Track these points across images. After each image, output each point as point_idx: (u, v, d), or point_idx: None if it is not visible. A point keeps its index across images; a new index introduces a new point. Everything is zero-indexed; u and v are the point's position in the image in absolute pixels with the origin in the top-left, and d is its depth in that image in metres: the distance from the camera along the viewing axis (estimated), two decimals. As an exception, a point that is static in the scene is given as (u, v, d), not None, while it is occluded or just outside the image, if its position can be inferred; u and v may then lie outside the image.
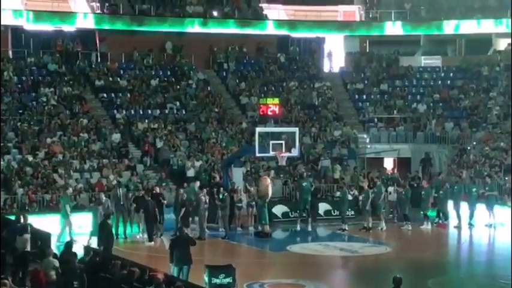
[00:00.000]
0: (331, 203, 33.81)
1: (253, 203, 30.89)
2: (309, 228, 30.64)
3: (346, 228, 30.68)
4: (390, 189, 32.64)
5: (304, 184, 31.22)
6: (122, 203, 29.26)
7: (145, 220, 28.64)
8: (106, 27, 43.40)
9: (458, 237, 30.73)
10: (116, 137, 37.28)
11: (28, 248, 21.18)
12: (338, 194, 33.59)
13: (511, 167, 35.34)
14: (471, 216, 31.56)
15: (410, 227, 31.13)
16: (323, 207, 33.60)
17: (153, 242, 28.20)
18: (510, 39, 46.30)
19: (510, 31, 44.88)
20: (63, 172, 33.07)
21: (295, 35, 47.62)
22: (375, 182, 32.53)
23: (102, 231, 23.30)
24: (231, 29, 45.67)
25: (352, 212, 33.13)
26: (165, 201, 29.78)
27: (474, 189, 32.04)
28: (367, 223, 30.76)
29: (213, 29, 45.20)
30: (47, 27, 42.55)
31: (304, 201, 31.04)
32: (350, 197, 32.75)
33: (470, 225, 31.43)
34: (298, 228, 30.69)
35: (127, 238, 28.81)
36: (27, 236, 21.47)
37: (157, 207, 28.80)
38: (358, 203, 32.34)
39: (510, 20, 44.65)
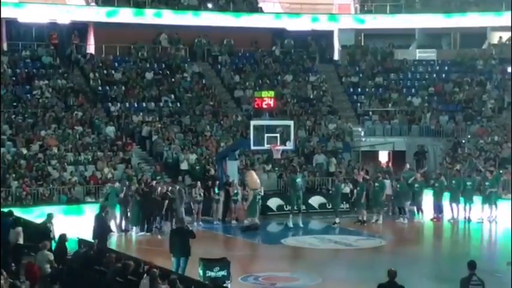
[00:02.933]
0: (326, 196, 33.77)
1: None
2: (300, 224, 30.43)
3: (337, 222, 30.61)
4: (386, 182, 32.56)
5: (297, 180, 31.00)
6: (127, 196, 29.27)
7: (143, 211, 28.69)
8: (101, 19, 43.30)
9: (453, 231, 30.75)
10: (111, 130, 37.23)
11: (21, 241, 21.15)
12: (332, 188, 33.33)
13: (511, 159, 35.35)
14: (467, 210, 31.49)
15: (406, 221, 31.12)
16: (317, 200, 33.59)
17: (144, 233, 28.34)
18: (504, 33, 46.36)
19: (504, 24, 44.89)
20: (57, 165, 33.04)
21: (290, 27, 47.54)
22: (378, 177, 32.24)
23: (97, 224, 23.18)
24: (225, 21, 45.61)
25: (347, 205, 33.14)
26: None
27: (469, 183, 31.83)
28: (361, 216, 30.74)
29: (208, 22, 45.15)
30: (41, 19, 42.42)
31: (297, 197, 30.76)
32: (348, 190, 32.82)
33: (466, 219, 31.32)
34: (291, 224, 30.39)
35: (127, 231, 28.77)
36: (20, 229, 21.45)
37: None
38: (353, 196, 32.26)
39: (506, 12, 44.59)
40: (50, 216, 22.55)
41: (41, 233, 21.64)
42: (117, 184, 29.90)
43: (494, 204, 31.18)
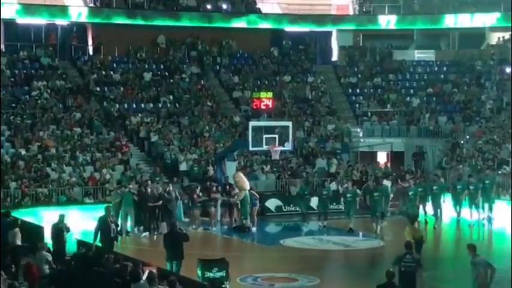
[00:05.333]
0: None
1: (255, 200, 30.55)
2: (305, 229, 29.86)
3: (321, 225, 30.11)
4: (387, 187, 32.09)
5: (306, 192, 30.54)
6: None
7: (141, 212, 28.60)
8: (99, 20, 43.30)
9: (450, 233, 30.65)
10: (110, 136, 37.08)
11: (18, 242, 21.10)
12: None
13: (511, 160, 35.32)
14: (458, 213, 30.89)
15: (380, 225, 28.94)
16: (316, 201, 33.42)
17: (148, 233, 28.30)
18: (503, 33, 46.40)
19: (503, 25, 44.95)
20: (56, 166, 33.03)
21: (288, 29, 47.58)
22: (376, 184, 30.61)
23: (102, 227, 22.96)
24: (224, 22, 45.61)
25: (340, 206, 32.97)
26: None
27: (459, 187, 31.00)
28: (351, 224, 29.08)
29: (207, 23, 45.16)
30: (39, 20, 42.43)
31: (307, 206, 30.56)
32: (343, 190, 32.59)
33: (458, 221, 30.88)
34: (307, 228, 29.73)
35: (129, 233, 28.66)
36: (17, 230, 21.42)
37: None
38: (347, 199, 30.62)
39: (505, 13, 44.63)
40: (62, 217, 22.57)
41: (54, 234, 21.72)
42: (132, 185, 29.78)
43: (479, 206, 30.57)
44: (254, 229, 29.76)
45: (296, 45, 48.15)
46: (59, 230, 21.95)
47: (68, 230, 22.26)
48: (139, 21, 43.84)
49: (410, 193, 30.33)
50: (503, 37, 46.52)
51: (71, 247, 21.96)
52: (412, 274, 16.32)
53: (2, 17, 40.40)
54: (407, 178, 33.01)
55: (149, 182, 30.25)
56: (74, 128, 36.63)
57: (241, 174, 30.49)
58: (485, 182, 31.26)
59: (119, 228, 24.01)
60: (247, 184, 29.94)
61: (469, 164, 36.21)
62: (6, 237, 21.21)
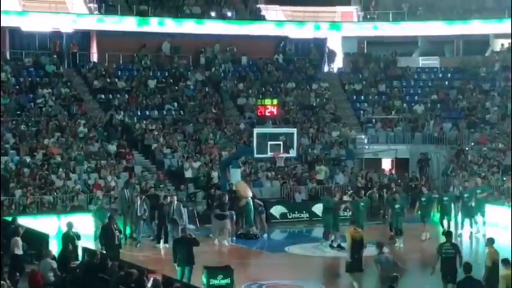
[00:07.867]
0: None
1: (260, 208, 30.34)
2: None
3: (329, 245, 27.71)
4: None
5: (330, 206, 27.59)
6: (128, 204, 29.10)
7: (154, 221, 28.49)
8: (104, 28, 43.36)
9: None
10: (113, 146, 37.03)
11: (18, 251, 21.02)
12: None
13: (511, 167, 35.28)
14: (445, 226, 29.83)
15: None
16: (321, 208, 33.36)
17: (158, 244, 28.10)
18: (507, 40, 46.39)
19: (508, 32, 44.91)
20: (61, 173, 33.02)
21: (293, 35, 47.62)
22: (360, 195, 29.73)
23: (106, 234, 22.98)
24: (228, 30, 45.67)
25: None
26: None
27: (446, 198, 30.11)
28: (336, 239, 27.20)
29: (211, 30, 45.23)
30: (44, 28, 42.51)
31: (328, 220, 27.52)
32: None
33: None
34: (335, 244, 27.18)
35: (134, 240, 28.52)
36: (17, 238, 21.38)
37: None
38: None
39: (509, 20, 44.59)
40: (70, 225, 22.55)
41: (65, 242, 21.78)
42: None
43: (473, 218, 29.87)
44: (265, 236, 29.69)
45: (300, 52, 48.17)
46: (70, 238, 21.95)
47: (79, 237, 22.28)
48: (144, 28, 43.88)
49: (396, 206, 28.45)
50: (509, 43, 46.52)
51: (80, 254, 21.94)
52: (452, 260, 18.37)
53: (7, 25, 40.51)
54: (392, 186, 32.48)
55: (170, 194, 30.09)
56: (79, 135, 36.67)
57: (241, 183, 30.46)
58: (464, 196, 30.52)
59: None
60: (248, 192, 29.86)
61: (471, 171, 36.13)
62: (10, 244, 21.21)
